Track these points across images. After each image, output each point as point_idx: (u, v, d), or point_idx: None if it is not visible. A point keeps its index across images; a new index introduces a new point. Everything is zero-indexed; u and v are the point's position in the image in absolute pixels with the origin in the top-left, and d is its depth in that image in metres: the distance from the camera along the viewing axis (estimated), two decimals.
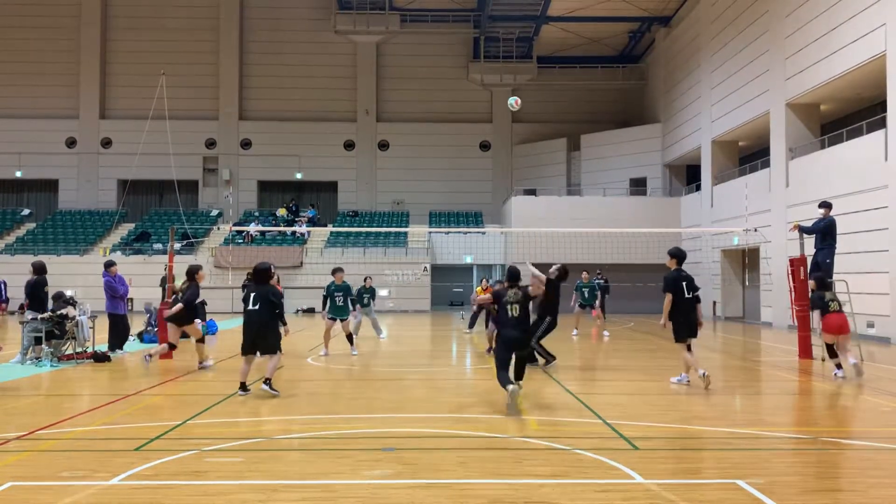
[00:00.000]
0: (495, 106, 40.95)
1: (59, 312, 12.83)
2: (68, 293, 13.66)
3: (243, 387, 9.43)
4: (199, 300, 20.83)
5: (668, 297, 10.03)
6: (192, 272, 12.50)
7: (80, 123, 39.90)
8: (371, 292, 18.44)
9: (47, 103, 39.74)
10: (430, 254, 33.70)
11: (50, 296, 13.54)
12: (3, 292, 18.51)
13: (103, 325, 14.41)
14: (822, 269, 13.66)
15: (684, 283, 10.02)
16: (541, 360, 12.59)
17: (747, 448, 6.74)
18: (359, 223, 37.92)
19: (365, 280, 18.64)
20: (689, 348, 10.18)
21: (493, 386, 10.70)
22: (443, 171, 40.19)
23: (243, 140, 40.48)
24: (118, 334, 14.14)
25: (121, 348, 14.12)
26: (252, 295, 9.50)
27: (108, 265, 14.13)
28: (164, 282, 16.21)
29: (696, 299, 10.18)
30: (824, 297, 11.54)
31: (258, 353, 9.61)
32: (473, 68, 40.45)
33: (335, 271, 14.56)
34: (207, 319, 20.57)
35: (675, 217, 32.51)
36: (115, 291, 13.84)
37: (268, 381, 9.42)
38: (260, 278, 9.71)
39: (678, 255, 10.39)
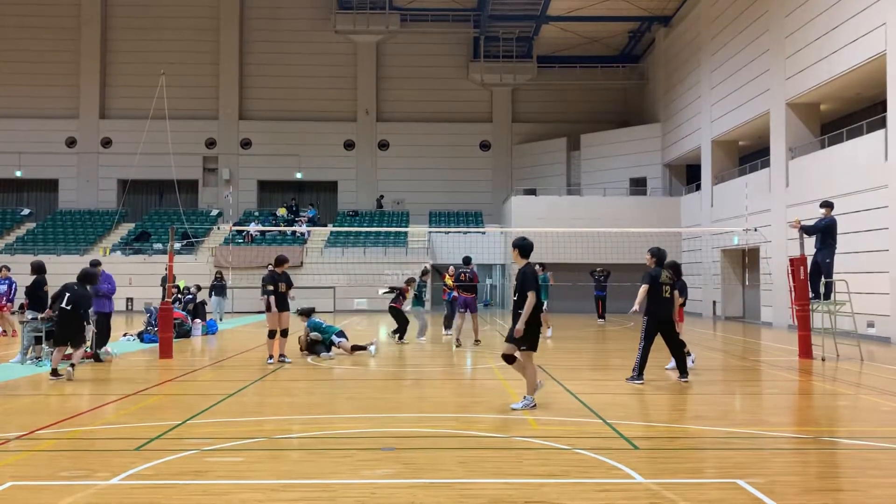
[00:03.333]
0: (495, 106, 40.96)
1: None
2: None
3: (282, 357, 12.82)
4: (198, 301, 20.97)
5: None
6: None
7: (80, 123, 39.90)
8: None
9: (47, 103, 39.74)
10: (430, 254, 33.70)
11: (50, 295, 13.48)
12: (13, 292, 18.51)
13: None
14: (822, 268, 13.67)
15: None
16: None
17: (747, 448, 6.74)
18: (359, 223, 37.92)
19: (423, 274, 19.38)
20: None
21: (493, 385, 10.70)
22: (443, 171, 40.18)
23: (243, 140, 40.48)
24: (103, 332, 13.81)
25: (101, 347, 13.73)
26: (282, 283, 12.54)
27: (95, 265, 13.91)
28: (164, 281, 16.21)
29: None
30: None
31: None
32: (473, 68, 40.45)
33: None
34: (207, 319, 20.60)
35: (675, 217, 32.50)
36: (98, 289, 13.61)
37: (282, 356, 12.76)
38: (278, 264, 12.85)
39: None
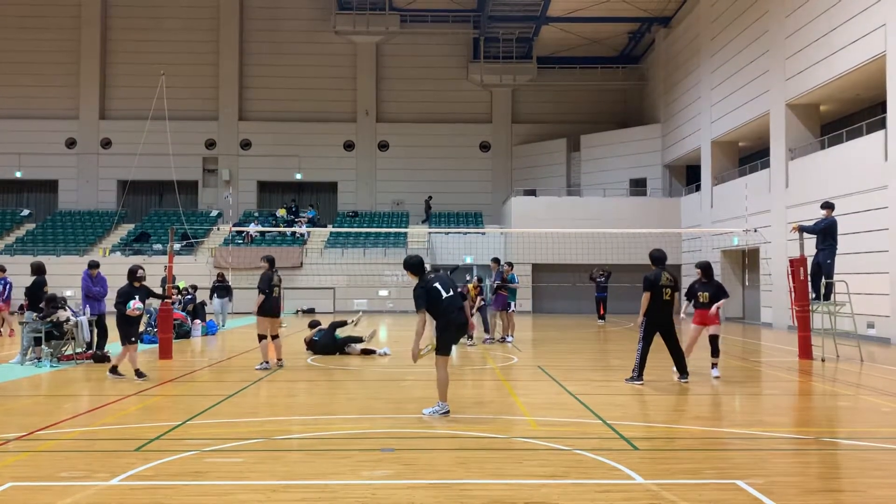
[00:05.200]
0: (495, 106, 40.96)
1: (49, 319, 12.68)
2: (68, 293, 13.58)
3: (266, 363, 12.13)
4: (197, 302, 20.95)
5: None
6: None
7: (80, 123, 39.88)
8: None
9: (47, 103, 39.71)
10: (429, 254, 33.69)
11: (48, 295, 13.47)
12: (8, 292, 18.46)
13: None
14: (823, 269, 13.67)
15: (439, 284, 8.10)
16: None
17: (747, 448, 6.74)
18: (359, 223, 37.92)
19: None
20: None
21: (493, 385, 10.71)
22: (443, 172, 40.17)
23: (243, 140, 40.46)
24: (101, 333, 13.79)
25: (101, 348, 13.73)
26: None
27: (92, 265, 13.84)
28: (164, 282, 16.19)
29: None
30: None
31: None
32: (473, 68, 40.43)
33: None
34: (207, 320, 20.59)
35: (675, 217, 32.50)
36: (88, 291, 13.56)
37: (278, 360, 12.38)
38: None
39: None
